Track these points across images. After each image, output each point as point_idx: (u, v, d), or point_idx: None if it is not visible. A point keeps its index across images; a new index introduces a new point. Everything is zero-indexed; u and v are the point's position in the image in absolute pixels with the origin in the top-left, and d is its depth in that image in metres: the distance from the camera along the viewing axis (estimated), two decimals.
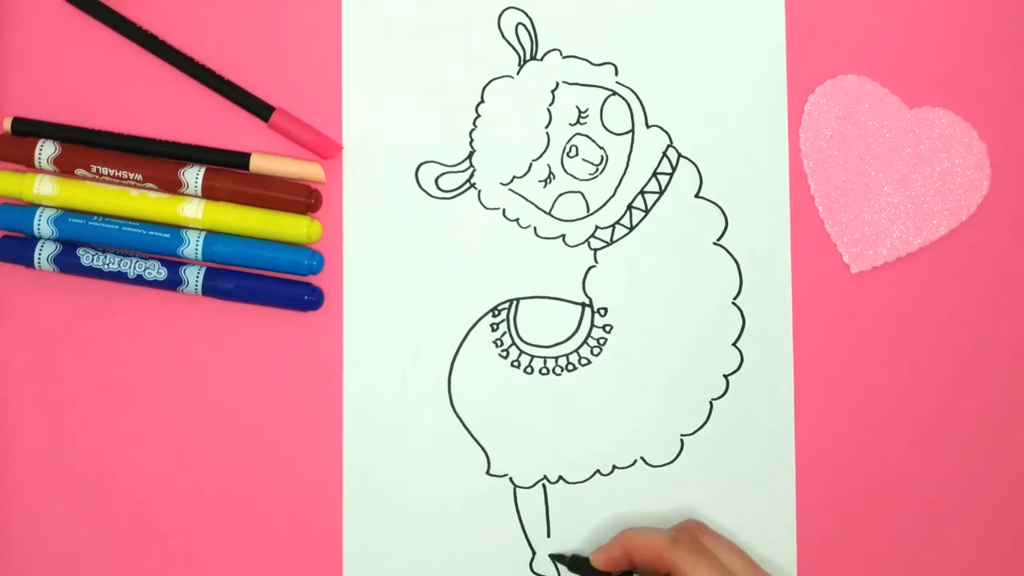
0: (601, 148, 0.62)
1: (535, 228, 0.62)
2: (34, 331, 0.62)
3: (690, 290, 0.63)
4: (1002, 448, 0.63)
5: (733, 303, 0.63)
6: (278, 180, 0.62)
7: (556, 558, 0.62)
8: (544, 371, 0.62)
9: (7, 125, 0.62)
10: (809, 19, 0.63)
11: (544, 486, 0.62)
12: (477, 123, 0.62)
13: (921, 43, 0.63)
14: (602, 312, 0.62)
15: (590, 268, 0.62)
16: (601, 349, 0.62)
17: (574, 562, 0.61)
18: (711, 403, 0.62)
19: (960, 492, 0.63)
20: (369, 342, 0.62)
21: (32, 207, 0.61)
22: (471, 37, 0.63)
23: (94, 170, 0.61)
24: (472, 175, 0.62)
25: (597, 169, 0.62)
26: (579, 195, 0.62)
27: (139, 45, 0.62)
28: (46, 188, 0.61)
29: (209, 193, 0.61)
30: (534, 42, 0.63)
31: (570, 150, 0.62)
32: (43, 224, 0.61)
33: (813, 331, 0.62)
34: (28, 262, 0.61)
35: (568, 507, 0.62)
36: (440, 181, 0.62)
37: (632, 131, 0.63)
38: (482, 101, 0.63)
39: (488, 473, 0.62)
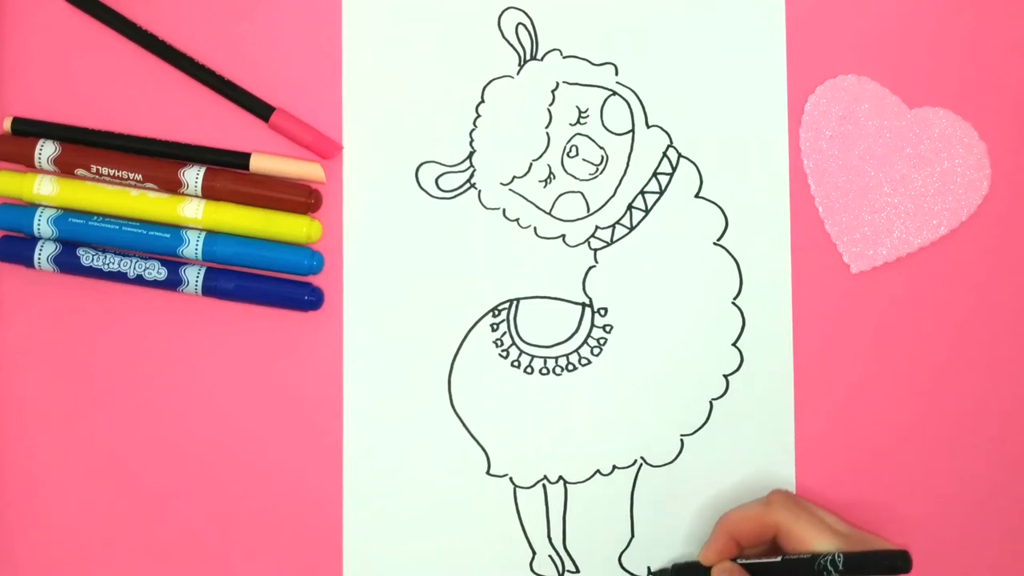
0: (601, 148, 0.62)
1: (535, 228, 0.62)
2: (34, 331, 0.62)
3: (690, 290, 0.63)
4: (1002, 446, 0.63)
5: (733, 303, 0.63)
6: (278, 180, 0.61)
7: (658, 574, 0.61)
8: (544, 371, 0.62)
9: (7, 125, 0.62)
10: (809, 19, 0.63)
11: (544, 486, 0.62)
12: (477, 123, 0.62)
13: (921, 43, 0.63)
14: (602, 312, 0.62)
15: (590, 268, 0.62)
16: (601, 349, 0.62)
17: (678, 571, 0.60)
18: (711, 403, 0.62)
19: (961, 491, 0.63)
20: (369, 342, 0.62)
21: (32, 207, 0.61)
22: (471, 37, 0.63)
23: (94, 170, 0.61)
24: (472, 175, 0.62)
25: (597, 169, 0.62)
26: (579, 195, 0.62)
27: (139, 45, 0.62)
28: (46, 188, 0.61)
29: (209, 193, 0.61)
30: (534, 42, 0.63)
31: (570, 150, 0.62)
32: (43, 224, 0.61)
33: (813, 331, 0.62)
34: (28, 262, 0.61)
35: (568, 507, 0.62)
36: (440, 181, 0.62)
37: (632, 131, 0.63)
38: (482, 101, 0.63)
39: (488, 473, 0.62)
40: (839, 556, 0.54)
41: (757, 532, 0.58)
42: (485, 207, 0.62)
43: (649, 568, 0.62)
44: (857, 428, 0.62)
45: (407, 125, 0.63)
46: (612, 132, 0.62)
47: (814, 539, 0.55)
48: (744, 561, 0.57)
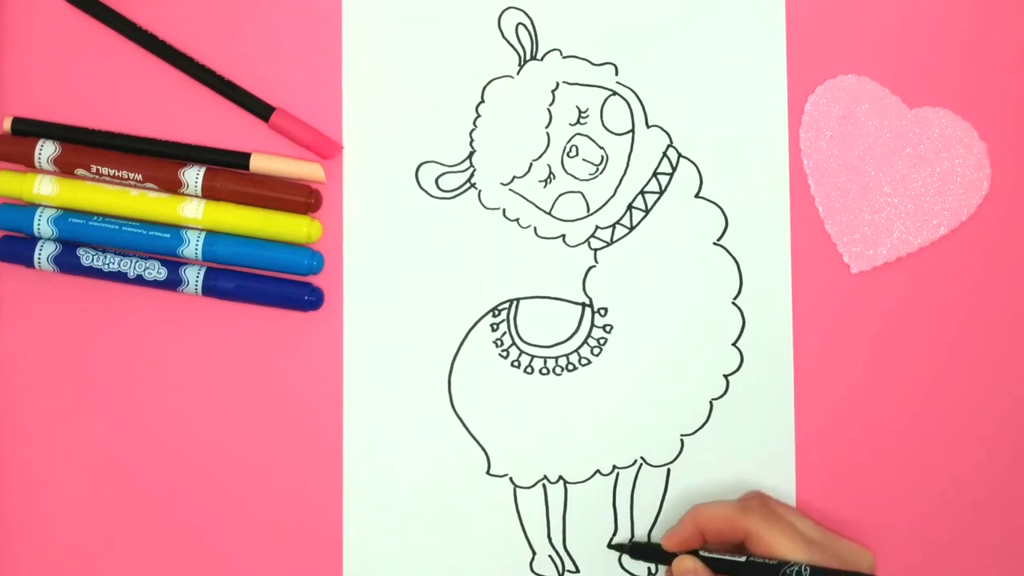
0: (601, 148, 0.62)
1: (535, 228, 0.62)
2: (34, 331, 0.62)
3: (690, 290, 0.63)
4: (1002, 446, 0.63)
5: (733, 303, 0.63)
6: (278, 180, 0.62)
7: (616, 547, 0.61)
8: (544, 371, 0.62)
9: (7, 125, 0.62)
10: (809, 19, 0.63)
11: (544, 486, 0.62)
12: (477, 123, 0.62)
13: (921, 43, 0.63)
14: (602, 312, 0.62)
15: (590, 268, 0.62)
16: (601, 349, 0.62)
17: (637, 549, 0.61)
18: (711, 403, 0.62)
19: (961, 491, 0.63)
20: (369, 342, 0.62)
21: (32, 207, 0.61)
22: (471, 37, 0.63)
23: (94, 170, 0.61)
24: (472, 175, 0.62)
25: (597, 169, 0.62)
26: (579, 195, 0.62)
27: (139, 45, 0.62)
28: (46, 188, 0.61)
29: (209, 193, 0.61)
30: (534, 42, 0.63)
31: (570, 150, 0.62)
32: (43, 224, 0.61)
33: (813, 331, 0.62)
34: (28, 262, 0.61)
35: (568, 507, 0.62)
36: (440, 181, 0.62)
37: (632, 131, 0.63)
38: (482, 101, 0.63)
39: (488, 473, 0.62)
40: (806, 569, 0.55)
41: (727, 532, 0.58)
42: (485, 207, 0.62)
43: (609, 542, 0.62)
44: (857, 428, 0.62)
45: (407, 125, 0.63)
46: (612, 132, 0.62)
47: (785, 549, 0.56)
48: (707, 554, 0.58)
